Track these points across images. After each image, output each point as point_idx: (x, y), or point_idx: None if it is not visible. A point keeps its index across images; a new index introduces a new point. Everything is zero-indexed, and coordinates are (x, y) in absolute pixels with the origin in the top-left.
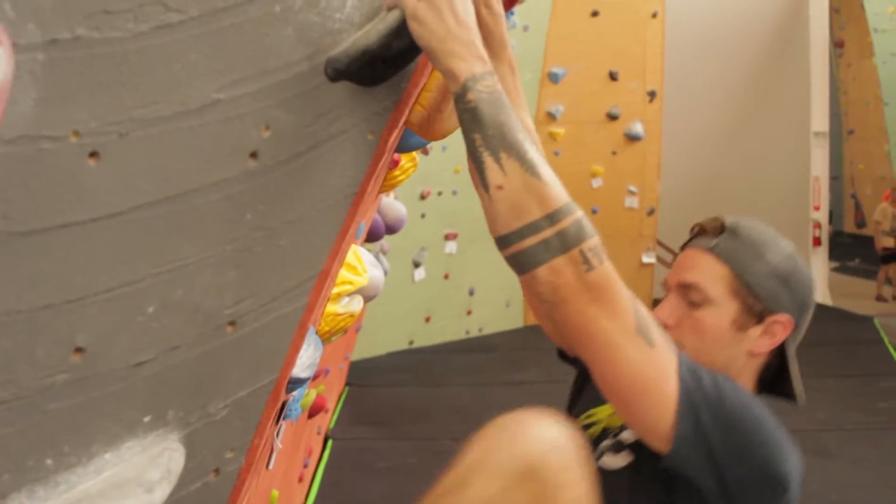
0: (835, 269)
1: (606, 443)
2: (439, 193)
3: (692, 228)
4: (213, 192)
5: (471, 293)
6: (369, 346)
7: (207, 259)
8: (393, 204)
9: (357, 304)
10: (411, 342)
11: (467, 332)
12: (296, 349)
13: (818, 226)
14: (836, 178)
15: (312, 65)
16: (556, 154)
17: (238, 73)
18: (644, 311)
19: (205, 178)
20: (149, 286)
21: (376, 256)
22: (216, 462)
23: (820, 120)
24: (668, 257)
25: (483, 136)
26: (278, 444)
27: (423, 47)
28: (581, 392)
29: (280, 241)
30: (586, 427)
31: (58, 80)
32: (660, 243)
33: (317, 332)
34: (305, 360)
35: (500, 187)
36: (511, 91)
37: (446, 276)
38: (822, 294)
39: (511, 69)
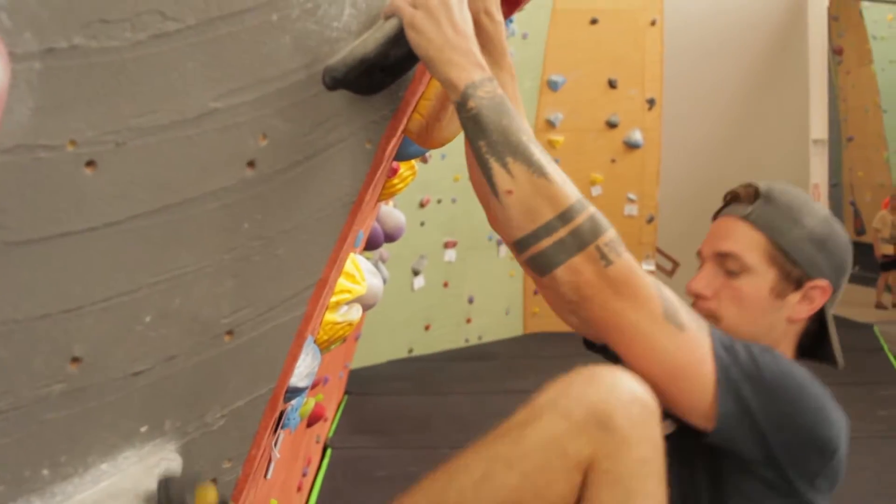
0: None
1: None
2: (438, 201)
3: (725, 196)
4: (211, 201)
5: (470, 301)
6: (369, 355)
7: (205, 268)
8: (392, 212)
9: (356, 313)
10: (411, 350)
11: (467, 341)
12: (293, 358)
13: None
14: (835, 185)
15: (310, 73)
16: (556, 162)
17: (235, 82)
18: (669, 294)
19: (202, 188)
20: (146, 295)
21: (375, 265)
22: (214, 472)
23: (819, 127)
24: (667, 265)
25: (488, 143)
26: (276, 454)
27: (421, 56)
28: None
29: (278, 250)
30: None
31: (54, 89)
32: (659, 251)
33: (315, 341)
34: (303, 370)
35: (509, 192)
36: (512, 99)
37: (445, 285)
38: None
39: (511, 77)
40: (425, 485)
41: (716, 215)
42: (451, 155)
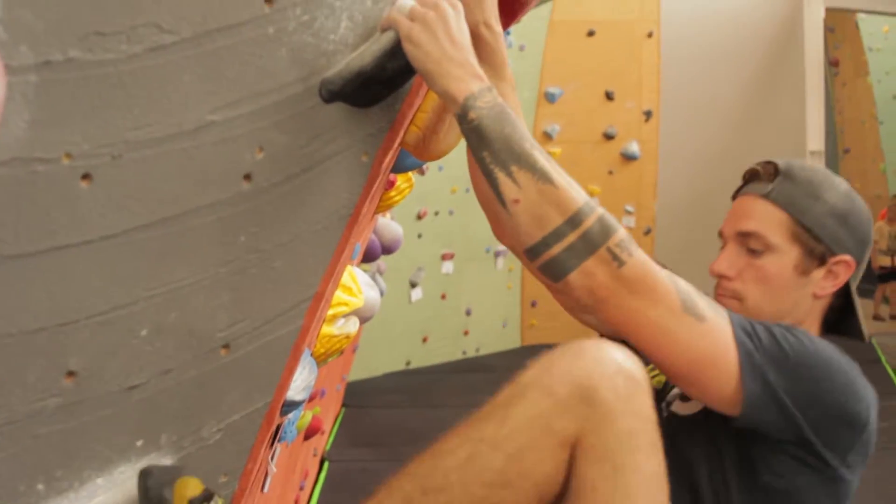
0: None
1: (674, 391)
2: (436, 213)
3: (744, 174)
4: (207, 214)
5: (468, 313)
6: (366, 367)
7: (201, 281)
8: (389, 224)
9: (353, 326)
10: (408, 363)
11: (464, 353)
12: (290, 372)
13: None
14: None
15: (307, 86)
16: None
17: (232, 95)
18: (685, 285)
19: (198, 201)
20: (142, 309)
21: (372, 277)
22: (210, 487)
23: (815, 139)
24: None
25: (491, 153)
26: (273, 468)
27: (419, 69)
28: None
29: (274, 263)
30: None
31: (50, 102)
32: (656, 263)
33: (312, 354)
34: (300, 383)
35: (516, 201)
36: (514, 111)
37: (443, 297)
38: None
39: (512, 88)
40: (411, 469)
41: (735, 194)
42: (449, 167)
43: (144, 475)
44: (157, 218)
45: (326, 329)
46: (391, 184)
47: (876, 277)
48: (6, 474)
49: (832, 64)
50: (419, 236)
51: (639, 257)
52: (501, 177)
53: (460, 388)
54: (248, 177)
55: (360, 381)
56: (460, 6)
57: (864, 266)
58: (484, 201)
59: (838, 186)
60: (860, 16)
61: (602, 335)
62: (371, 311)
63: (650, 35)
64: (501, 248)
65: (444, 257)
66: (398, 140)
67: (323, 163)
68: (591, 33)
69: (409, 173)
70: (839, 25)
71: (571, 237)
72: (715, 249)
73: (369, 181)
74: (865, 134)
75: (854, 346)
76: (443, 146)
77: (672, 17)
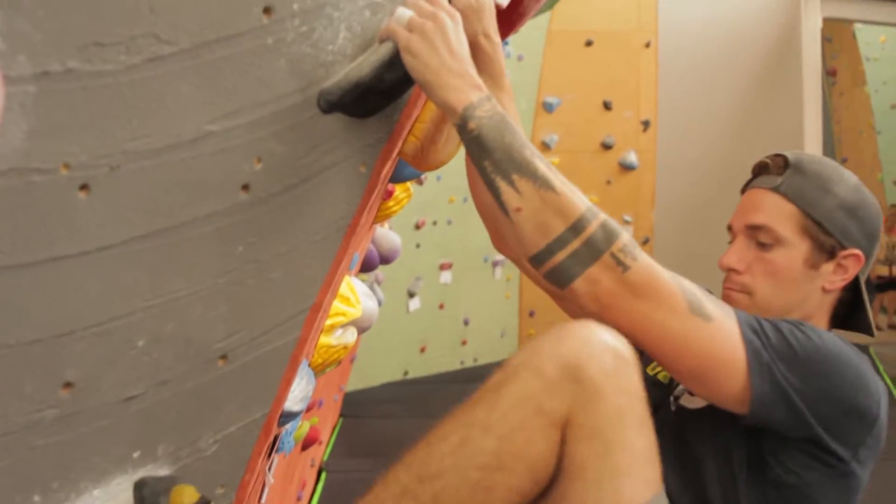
0: None
1: (682, 387)
2: (434, 223)
3: (753, 168)
4: (205, 224)
5: (465, 323)
6: (363, 377)
7: (199, 292)
8: (387, 234)
9: (351, 336)
10: (406, 373)
11: (462, 363)
12: (287, 383)
13: None
14: None
15: (305, 97)
16: None
17: (230, 105)
18: (691, 286)
19: (196, 211)
20: (139, 320)
21: (370, 287)
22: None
23: (813, 148)
24: None
25: (492, 162)
26: (270, 479)
27: (418, 80)
28: None
29: (272, 273)
30: (656, 373)
31: (49, 112)
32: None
33: (310, 365)
34: (298, 394)
35: (518, 209)
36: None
37: (441, 306)
38: None
39: (511, 98)
40: (406, 459)
41: (745, 188)
42: (447, 177)
43: (140, 486)
44: (154, 228)
45: (324, 339)
46: (389, 194)
47: (874, 287)
48: (2, 486)
49: (830, 73)
50: (417, 246)
51: (643, 261)
52: (503, 185)
53: (458, 398)
54: (246, 187)
55: (358, 391)
56: (459, 17)
57: (872, 260)
58: (484, 211)
59: (848, 179)
60: (857, 25)
61: None
62: (369, 321)
63: (648, 45)
64: (499, 257)
65: (443, 267)
66: (396, 150)
67: (321, 173)
68: (589, 43)
69: (408, 183)
70: (837, 35)
71: (575, 244)
72: (713, 259)
73: (367, 192)
74: (863, 143)
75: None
76: (441, 156)
77: (669, 27)
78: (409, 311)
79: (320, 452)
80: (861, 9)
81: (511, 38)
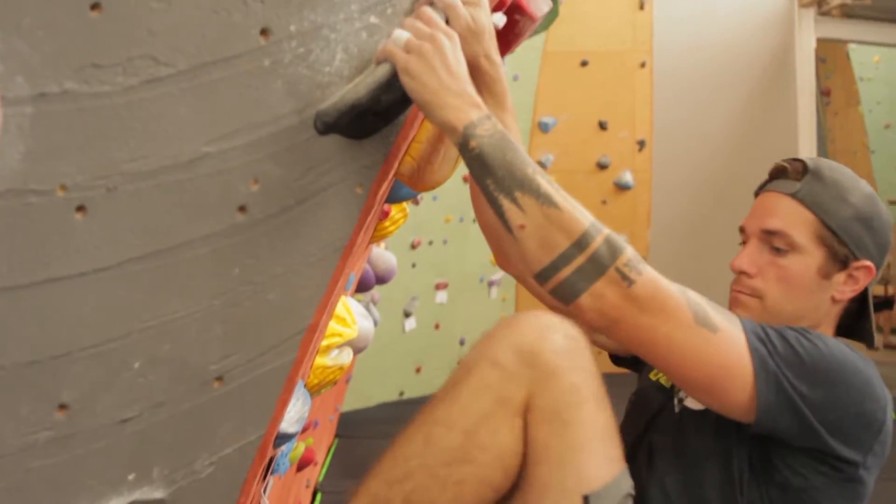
0: None
1: None
2: (430, 243)
3: (771, 171)
4: (201, 246)
5: (462, 343)
6: (359, 398)
7: (195, 314)
8: (383, 254)
9: (346, 357)
10: (402, 393)
11: None
12: (283, 404)
13: None
14: None
15: (302, 118)
16: None
17: (227, 127)
18: (696, 296)
19: (193, 233)
20: (136, 341)
21: (366, 307)
22: None
23: None
24: None
25: (494, 180)
26: (266, 501)
27: (417, 101)
28: None
29: (268, 295)
30: (658, 377)
31: (46, 133)
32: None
33: (305, 385)
34: (293, 415)
35: (522, 226)
36: (517, 141)
37: (437, 326)
38: None
39: (513, 117)
40: (375, 469)
41: (759, 190)
42: (443, 197)
43: None
44: (151, 250)
45: (320, 360)
46: (385, 214)
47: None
48: None
49: (824, 93)
50: (413, 266)
51: (648, 274)
52: (506, 203)
53: None
54: (242, 208)
55: (354, 411)
56: (456, 37)
57: (881, 271)
58: (487, 229)
59: (863, 189)
60: (851, 46)
61: (610, 354)
62: (365, 341)
63: (643, 65)
64: (495, 277)
65: (438, 287)
66: (393, 172)
67: (318, 194)
68: (584, 64)
69: (404, 203)
70: (831, 55)
71: (580, 259)
72: (710, 278)
73: (364, 212)
74: (857, 163)
75: None
76: (437, 177)
77: (665, 47)
78: (404, 331)
79: (316, 473)
80: (855, 29)
81: (507, 59)
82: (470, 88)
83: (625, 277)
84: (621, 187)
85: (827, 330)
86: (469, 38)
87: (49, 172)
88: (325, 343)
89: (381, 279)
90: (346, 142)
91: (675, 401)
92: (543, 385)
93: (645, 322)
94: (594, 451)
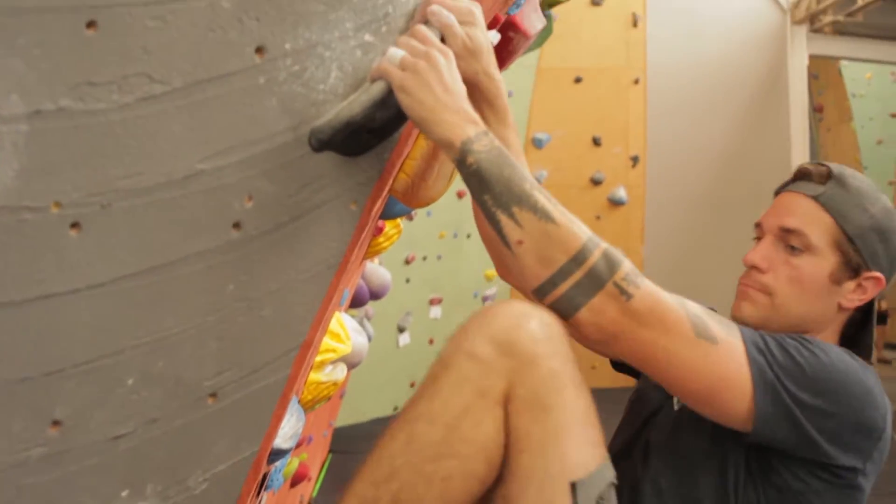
0: None
1: None
2: (424, 258)
3: (795, 172)
4: (196, 262)
5: None
6: (353, 413)
7: (189, 330)
8: (377, 269)
9: (340, 372)
10: (396, 408)
11: None
12: (278, 420)
13: None
14: None
15: (296, 135)
16: None
17: (222, 144)
18: (695, 308)
19: (187, 249)
20: (129, 358)
21: (360, 322)
22: None
23: None
24: None
25: (492, 196)
26: None
27: (414, 119)
28: None
29: (263, 311)
30: None
31: (40, 150)
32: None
33: (299, 401)
34: (288, 431)
35: (520, 242)
36: (518, 157)
37: (431, 341)
38: None
39: (515, 133)
40: (361, 471)
41: (780, 190)
42: (437, 212)
43: None
44: (145, 266)
45: (314, 376)
46: (380, 230)
47: None
48: None
49: (816, 110)
50: (407, 281)
51: (646, 288)
52: (504, 219)
53: None
54: (237, 225)
55: (348, 426)
56: (451, 55)
57: (889, 285)
58: (489, 241)
59: (884, 202)
60: (843, 62)
61: (611, 360)
62: (359, 356)
63: (636, 82)
64: (489, 292)
65: (432, 302)
66: (387, 188)
67: (312, 211)
68: (578, 80)
69: (398, 219)
70: (823, 72)
71: (578, 274)
72: (703, 293)
73: (358, 229)
74: None
75: None
76: (432, 193)
77: (658, 64)
78: (398, 346)
79: (309, 489)
80: (847, 46)
81: (501, 75)
82: (466, 105)
83: (623, 292)
84: (615, 203)
85: (831, 338)
86: (467, 56)
87: (43, 189)
88: (319, 359)
89: (376, 295)
90: (340, 159)
91: (675, 400)
92: (523, 374)
93: (645, 336)
94: (576, 436)
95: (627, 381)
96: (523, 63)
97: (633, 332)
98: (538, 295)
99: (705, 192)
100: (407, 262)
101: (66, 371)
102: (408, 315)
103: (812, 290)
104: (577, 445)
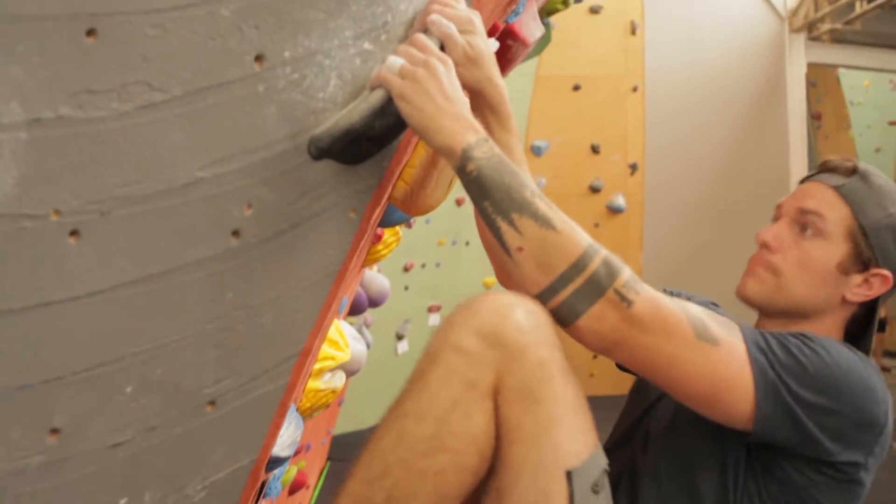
0: None
1: None
2: (423, 266)
3: (820, 165)
4: (195, 270)
5: None
6: (352, 420)
7: (188, 338)
8: (376, 277)
9: (339, 380)
10: None
11: None
12: (276, 428)
13: None
14: None
15: (295, 143)
16: None
17: (221, 152)
18: (695, 310)
19: (186, 257)
20: (128, 365)
21: (359, 330)
22: None
23: None
24: None
25: (492, 202)
26: None
27: (414, 126)
28: None
29: (261, 319)
30: None
31: (40, 158)
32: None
33: (298, 409)
34: (286, 439)
35: (520, 249)
36: (521, 164)
37: None
38: None
39: (518, 139)
40: (353, 470)
41: (805, 179)
42: (436, 220)
43: None
44: (144, 274)
45: (312, 384)
46: (378, 237)
47: None
48: None
49: (815, 118)
50: (406, 289)
51: (646, 294)
52: (504, 226)
53: None
54: (236, 233)
55: (346, 434)
56: (451, 62)
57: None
58: (490, 249)
59: None
60: (841, 70)
61: (620, 365)
62: (358, 364)
63: (635, 89)
64: None
65: (431, 309)
66: (386, 196)
67: (311, 219)
68: (576, 88)
69: (396, 227)
70: (821, 80)
71: (578, 281)
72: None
73: (357, 237)
74: None
75: None
76: (430, 201)
77: (656, 72)
78: (397, 353)
79: (308, 497)
80: (845, 54)
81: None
82: (466, 112)
83: (623, 298)
84: (614, 210)
85: (833, 330)
86: (468, 64)
87: (43, 197)
88: (317, 366)
89: (374, 302)
90: (339, 167)
91: None
92: (511, 364)
93: (647, 342)
94: (567, 424)
95: (626, 389)
96: (522, 71)
97: (634, 338)
98: (539, 302)
99: (704, 199)
100: (406, 269)
101: (64, 379)
102: (406, 322)
103: (818, 275)
104: (569, 434)
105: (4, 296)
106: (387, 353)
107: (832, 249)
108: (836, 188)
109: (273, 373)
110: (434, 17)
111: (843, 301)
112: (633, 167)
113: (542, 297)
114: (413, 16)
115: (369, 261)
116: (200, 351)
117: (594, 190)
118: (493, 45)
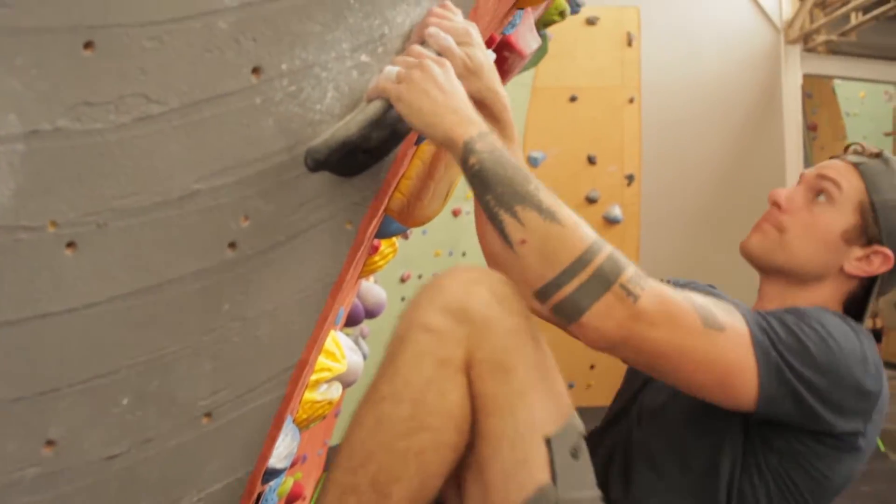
0: None
1: None
2: (419, 277)
3: (845, 147)
4: (191, 282)
5: None
6: None
7: (184, 350)
8: (372, 288)
9: (336, 391)
10: None
11: None
12: (272, 440)
13: None
14: None
15: (292, 155)
16: None
17: (218, 164)
18: (699, 298)
19: (182, 269)
20: (124, 377)
21: (355, 341)
22: None
23: None
24: None
25: (495, 196)
26: None
27: (416, 127)
28: None
29: (258, 331)
30: None
31: (37, 170)
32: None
33: (294, 420)
34: (282, 451)
35: (523, 241)
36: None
37: None
38: None
39: (520, 148)
40: (336, 461)
41: (832, 157)
42: (432, 231)
43: None
44: (141, 286)
45: (309, 395)
46: (375, 249)
47: None
48: None
49: (810, 128)
50: (403, 299)
51: (652, 288)
52: (507, 218)
53: None
54: (232, 245)
55: None
56: (448, 64)
57: (886, 298)
58: (489, 255)
59: None
60: (837, 81)
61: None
62: (354, 375)
63: (632, 101)
64: None
65: None
66: (382, 208)
67: (308, 231)
68: (573, 99)
69: (393, 238)
70: (817, 91)
71: (583, 275)
72: None
73: (353, 249)
74: None
75: None
76: (427, 212)
77: (653, 83)
78: None
79: None
80: (840, 65)
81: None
82: (466, 105)
83: (629, 293)
84: (610, 221)
85: (832, 302)
86: (468, 75)
87: (40, 209)
88: (314, 378)
89: (371, 313)
90: (336, 179)
91: None
92: (480, 338)
93: (655, 336)
94: (541, 391)
95: None
96: (518, 82)
97: (642, 333)
98: (541, 297)
99: (700, 210)
100: (402, 280)
101: (60, 391)
102: None
103: (822, 239)
104: (543, 401)
105: (1, 308)
106: None
107: (840, 217)
108: (856, 164)
109: (269, 384)
110: (432, 29)
111: (841, 272)
112: (630, 178)
113: (546, 292)
114: (410, 28)
115: (366, 272)
116: (196, 363)
117: (591, 201)
118: (490, 56)
